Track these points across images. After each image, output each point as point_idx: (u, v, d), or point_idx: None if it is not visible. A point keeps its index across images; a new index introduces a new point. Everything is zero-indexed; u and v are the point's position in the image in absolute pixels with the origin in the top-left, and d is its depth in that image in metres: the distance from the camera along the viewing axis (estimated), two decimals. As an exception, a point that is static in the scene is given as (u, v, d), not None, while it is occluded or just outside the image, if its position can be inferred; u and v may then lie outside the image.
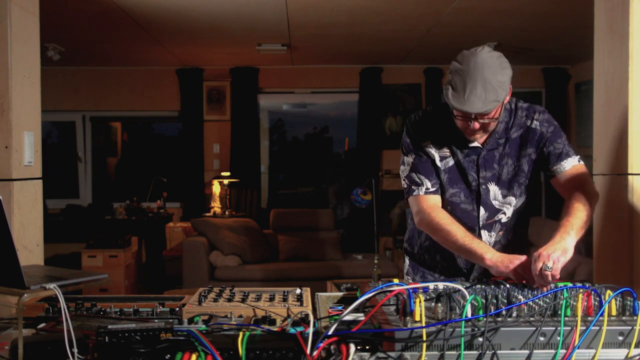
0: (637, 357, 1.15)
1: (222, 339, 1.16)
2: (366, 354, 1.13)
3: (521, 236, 2.05)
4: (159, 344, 1.13)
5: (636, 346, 1.16)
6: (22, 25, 2.40)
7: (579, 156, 1.94)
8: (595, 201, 1.86)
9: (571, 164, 1.90)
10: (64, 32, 5.17)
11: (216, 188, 6.61)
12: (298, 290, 1.62)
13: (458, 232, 1.79)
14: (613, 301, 1.23)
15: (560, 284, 1.45)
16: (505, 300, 1.23)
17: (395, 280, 1.55)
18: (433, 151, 1.96)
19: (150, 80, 6.94)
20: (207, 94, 6.98)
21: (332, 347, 1.12)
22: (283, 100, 7.43)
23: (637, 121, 2.26)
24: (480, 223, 1.95)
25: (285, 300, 1.53)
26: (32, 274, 1.57)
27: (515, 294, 1.31)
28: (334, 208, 7.10)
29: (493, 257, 1.68)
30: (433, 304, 1.23)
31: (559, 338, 1.15)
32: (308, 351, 1.09)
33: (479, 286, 1.45)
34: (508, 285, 1.47)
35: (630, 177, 2.25)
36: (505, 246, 1.98)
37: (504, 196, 1.95)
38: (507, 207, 1.95)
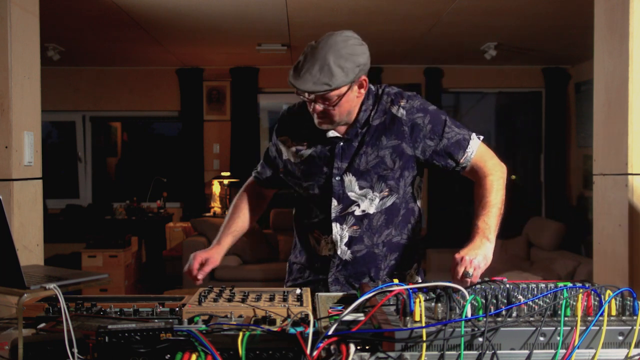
0: (637, 357, 1.15)
1: (222, 339, 1.16)
2: (366, 354, 1.13)
3: (390, 240, 1.88)
4: (159, 344, 1.13)
5: (636, 346, 1.16)
6: (22, 25, 2.40)
7: (472, 132, 1.85)
8: (501, 174, 1.79)
9: (475, 148, 1.82)
10: (64, 32, 5.17)
11: (216, 188, 6.62)
12: (298, 290, 1.62)
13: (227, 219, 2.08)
14: (613, 301, 1.23)
15: (560, 284, 1.45)
16: (505, 300, 1.23)
17: (395, 280, 1.55)
18: (287, 146, 1.95)
19: (150, 80, 6.94)
20: (207, 94, 6.98)
21: (332, 347, 1.12)
22: (283, 100, 7.43)
23: (637, 121, 2.26)
24: (332, 215, 1.86)
25: (285, 300, 1.53)
26: (32, 274, 1.57)
27: (515, 294, 1.31)
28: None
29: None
30: (433, 304, 1.23)
31: (558, 338, 1.15)
32: (308, 351, 1.09)
33: (479, 286, 1.45)
34: (509, 285, 1.47)
35: (630, 177, 2.25)
36: (370, 248, 1.86)
37: (361, 187, 1.84)
38: (363, 199, 1.84)
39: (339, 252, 1.87)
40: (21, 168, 2.39)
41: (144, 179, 6.95)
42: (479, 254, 1.56)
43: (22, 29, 2.39)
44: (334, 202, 1.86)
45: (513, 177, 7.45)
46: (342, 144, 1.85)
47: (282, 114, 2.03)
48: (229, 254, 5.78)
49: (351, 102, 1.78)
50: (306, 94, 1.73)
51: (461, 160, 1.83)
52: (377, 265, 1.89)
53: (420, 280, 1.98)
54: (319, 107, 1.75)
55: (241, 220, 2.07)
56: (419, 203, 1.97)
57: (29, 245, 2.44)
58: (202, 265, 1.90)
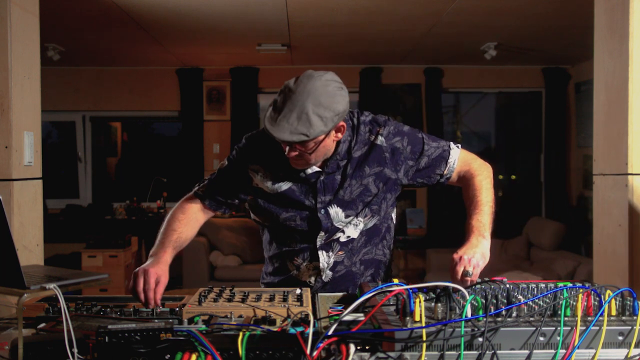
0: (637, 357, 1.15)
1: (222, 339, 1.16)
2: (366, 354, 1.13)
3: (367, 258, 1.91)
4: (159, 344, 1.13)
5: (636, 346, 1.16)
6: (22, 25, 2.40)
7: (449, 142, 1.86)
8: (488, 174, 1.82)
9: (455, 158, 1.84)
10: (64, 32, 5.17)
11: (216, 188, 6.60)
12: (298, 290, 1.62)
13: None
14: (613, 301, 1.23)
15: (560, 284, 1.45)
16: (505, 300, 1.23)
17: (395, 280, 1.55)
18: (260, 175, 1.84)
19: (150, 80, 6.93)
20: (207, 94, 6.98)
21: (332, 347, 1.12)
22: (283, 100, 7.42)
23: (637, 121, 2.26)
24: (318, 244, 1.85)
25: (285, 300, 1.53)
26: (32, 274, 1.57)
27: (515, 294, 1.31)
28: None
29: None
30: (433, 304, 1.23)
31: (558, 338, 1.15)
32: (308, 351, 1.09)
33: (479, 286, 1.45)
34: (509, 285, 1.47)
35: (630, 177, 2.26)
36: (349, 267, 1.88)
37: (347, 216, 1.83)
38: (347, 225, 1.84)
39: (323, 277, 1.88)
40: (21, 168, 2.39)
41: (144, 179, 6.95)
42: (477, 253, 1.57)
43: (22, 29, 2.39)
44: (321, 233, 1.84)
45: (513, 177, 7.44)
46: (322, 177, 1.81)
47: (250, 139, 1.90)
48: (229, 254, 5.80)
49: (327, 147, 1.73)
50: None
51: (445, 172, 1.85)
52: (355, 283, 1.90)
53: None
54: (294, 152, 1.68)
55: (184, 235, 1.83)
56: (394, 217, 1.99)
57: (29, 245, 2.44)
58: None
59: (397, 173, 1.83)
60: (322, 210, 1.82)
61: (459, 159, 1.85)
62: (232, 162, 1.91)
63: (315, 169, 1.81)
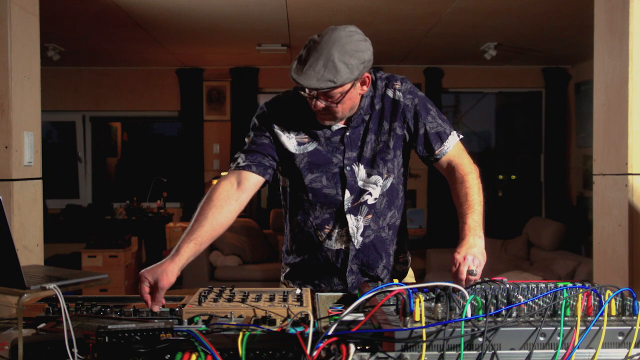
0: (637, 357, 1.15)
1: (222, 339, 1.16)
2: (366, 354, 1.13)
3: (394, 222, 1.91)
4: (159, 344, 1.13)
5: (636, 346, 1.16)
6: (22, 25, 2.40)
7: (454, 130, 1.88)
8: (477, 174, 1.83)
9: (452, 144, 1.85)
10: (64, 32, 5.17)
11: (216, 188, 6.61)
12: (298, 290, 1.62)
13: (195, 225, 1.68)
14: (613, 301, 1.23)
15: (560, 284, 1.45)
16: (505, 300, 1.23)
17: (395, 281, 1.55)
18: (286, 136, 1.85)
19: (150, 80, 6.94)
20: (207, 94, 6.98)
21: (332, 347, 1.12)
22: (283, 100, 7.43)
23: (637, 121, 2.26)
24: (346, 207, 1.83)
25: (285, 300, 1.53)
26: (32, 274, 1.57)
27: (515, 294, 1.31)
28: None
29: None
30: (433, 304, 1.23)
31: (558, 338, 1.15)
32: (308, 351, 1.09)
33: (479, 286, 1.45)
34: (509, 285, 1.47)
35: (630, 177, 2.26)
36: (377, 232, 1.87)
37: (369, 175, 1.83)
38: (373, 186, 1.83)
39: (355, 244, 1.86)
40: (21, 168, 2.40)
41: (144, 179, 6.95)
42: (477, 253, 1.58)
43: (22, 29, 2.39)
44: (347, 194, 1.83)
45: (513, 177, 7.45)
46: (349, 132, 1.83)
47: (270, 105, 1.90)
48: (229, 254, 5.79)
49: (354, 99, 1.76)
50: (307, 90, 1.69)
51: (436, 152, 1.85)
52: (387, 250, 1.90)
53: (410, 259, 2.04)
54: (321, 104, 1.71)
55: (210, 224, 1.70)
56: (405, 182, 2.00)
57: (29, 245, 2.44)
58: (151, 288, 1.54)
59: (403, 130, 1.86)
60: (348, 167, 1.83)
61: (454, 148, 1.87)
62: (257, 128, 1.91)
63: (341, 125, 1.83)
